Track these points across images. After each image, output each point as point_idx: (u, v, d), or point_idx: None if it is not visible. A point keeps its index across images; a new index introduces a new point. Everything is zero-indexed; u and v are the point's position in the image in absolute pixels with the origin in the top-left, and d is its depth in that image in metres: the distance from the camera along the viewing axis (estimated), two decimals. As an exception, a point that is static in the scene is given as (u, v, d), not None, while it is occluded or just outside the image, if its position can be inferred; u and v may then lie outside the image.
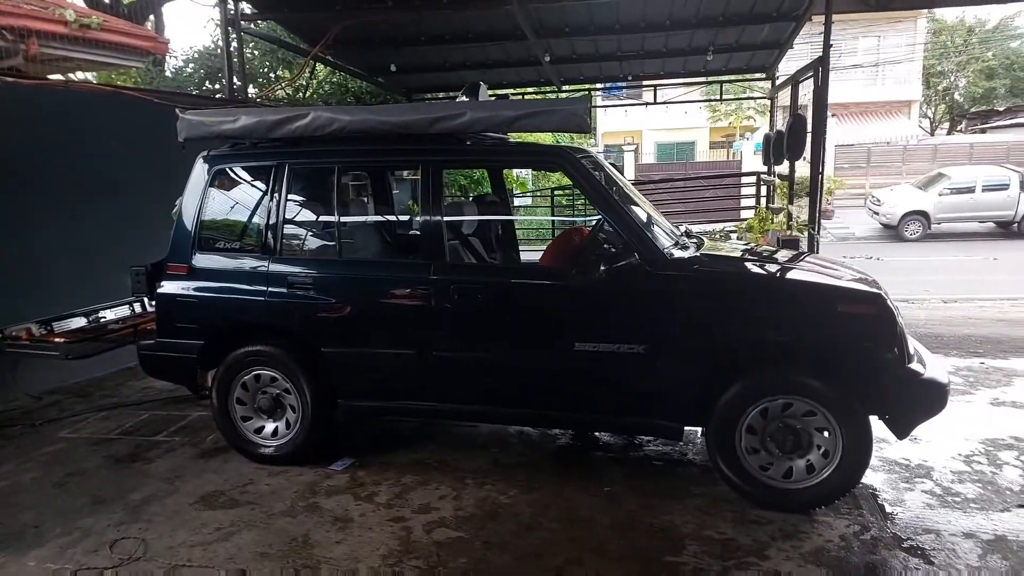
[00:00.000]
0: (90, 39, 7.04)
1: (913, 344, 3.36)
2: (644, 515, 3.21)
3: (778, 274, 3.43)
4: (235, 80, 7.01)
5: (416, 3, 6.87)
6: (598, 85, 11.52)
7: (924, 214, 16.64)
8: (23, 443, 4.21)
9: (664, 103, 10.69)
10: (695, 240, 3.90)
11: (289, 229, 3.73)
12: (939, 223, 16.69)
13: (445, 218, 3.54)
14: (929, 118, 32.80)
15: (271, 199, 3.72)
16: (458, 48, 8.53)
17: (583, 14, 7.66)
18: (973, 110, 29.07)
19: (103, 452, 4.05)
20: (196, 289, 3.78)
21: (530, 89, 10.40)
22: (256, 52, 11.01)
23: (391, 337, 3.55)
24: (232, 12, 6.87)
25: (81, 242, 5.32)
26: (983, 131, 25.36)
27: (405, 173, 6.89)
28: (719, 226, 9.99)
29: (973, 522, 3.06)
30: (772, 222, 7.63)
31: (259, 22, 7.61)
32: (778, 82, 9.29)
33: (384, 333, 3.56)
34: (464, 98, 3.87)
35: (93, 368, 5.25)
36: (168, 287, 3.83)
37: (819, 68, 6.30)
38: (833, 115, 21.12)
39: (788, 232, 6.99)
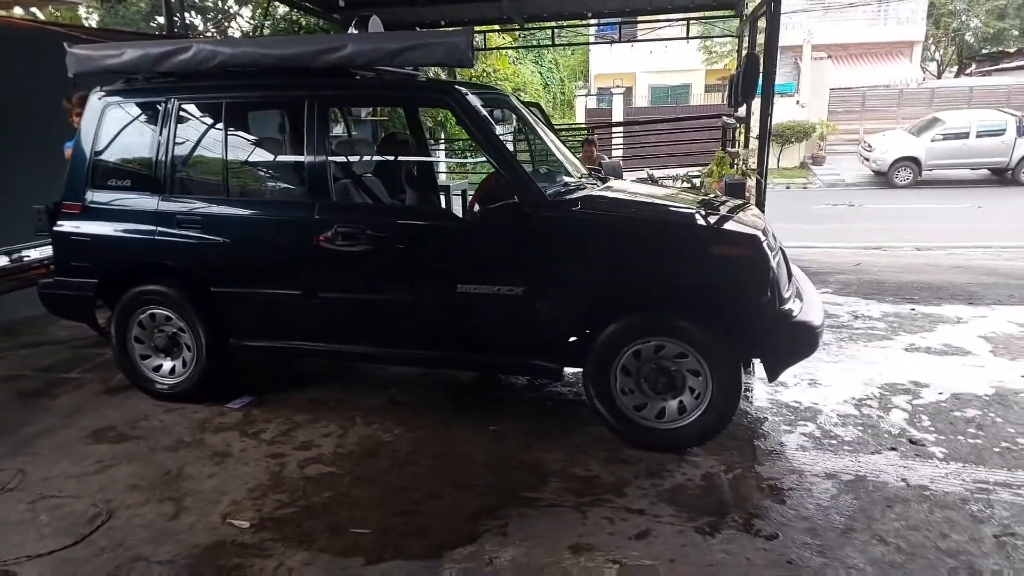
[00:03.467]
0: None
1: (797, 286, 3.33)
2: (519, 453, 3.24)
3: (657, 217, 3.35)
4: (175, 15, 6.80)
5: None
6: (586, 22, 11.00)
7: (915, 160, 16.32)
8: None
9: (629, 41, 10.34)
10: (594, 182, 3.84)
11: (178, 166, 3.68)
12: (931, 169, 16.38)
13: (331, 157, 3.47)
14: (937, 60, 31.80)
15: (161, 136, 3.66)
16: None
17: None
18: (984, 52, 28.13)
19: (12, 387, 4.11)
20: (89, 227, 3.75)
21: (495, 27, 10.08)
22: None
23: (277, 277, 3.53)
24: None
25: (2, 179, 5.26)
26: (989, 74, 24.62)
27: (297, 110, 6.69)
28: (689, 170, 9.82)
29: (840, 463, 3.07)
30: (730, 167, 7.48)
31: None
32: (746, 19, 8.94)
33: (270, 273, 3.55)
34: (354, 31, 3.75)
35: (28, 308, 5.25)
36: (63, 226, 3.80)
37: (770, 3, 6.06)
38: (829, 56, 20.52)
39: (739, 176, 6.86)
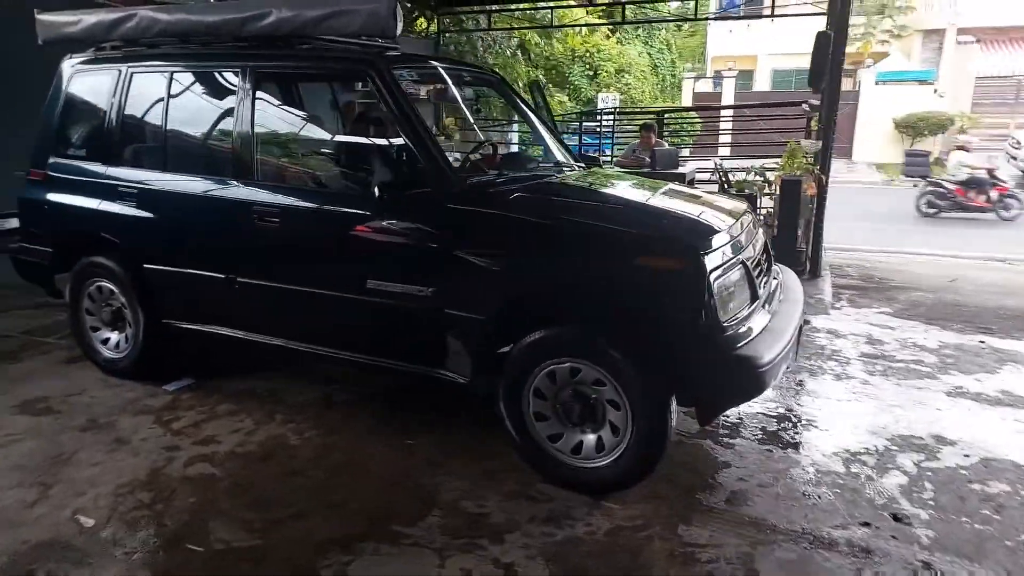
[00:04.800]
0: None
1: (778, 308, 2.73)
2: (420, 474, 2.88)
3: (584, 216, 2.79)
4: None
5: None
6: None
7: (1073, 161, 14.00)
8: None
9: (706, 18, 9.29)
10: (572, 170, 3.39)
11: (124, 137, 3.58)
12: (1094, 173, 14.00)
13: (260, 131, 3.22)
14: None
15: (112, 105, 3.57)
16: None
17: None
18: None
19: (-11, 348, 4.23)
20: (47, 195, 3.75)
21: (572, 3, 9.54)
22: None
23: (201, 259, 3.35)
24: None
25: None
26: None
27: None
28: (765, 162, 8.85)
29: (787, 536, 2.46)
30: (803, 157, 6.58)
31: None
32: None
33: (195, 254, 3.38)
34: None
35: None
36: (28, 192, 3.82)
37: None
38: (978, 40, 18.07)
39: (798, 173, 5.99)
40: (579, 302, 2.64)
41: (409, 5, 10.27)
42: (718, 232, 2.61)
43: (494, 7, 10.27)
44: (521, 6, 10.00)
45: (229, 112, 3.24)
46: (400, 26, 3.04)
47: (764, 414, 3.37)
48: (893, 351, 4.23)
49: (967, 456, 3.00)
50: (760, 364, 2.40)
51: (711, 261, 2.44)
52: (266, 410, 3.44)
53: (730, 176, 8.91)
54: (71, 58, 3.79)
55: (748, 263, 2.69)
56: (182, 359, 3.86)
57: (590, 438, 2.68)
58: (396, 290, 2.86)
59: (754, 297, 2.67)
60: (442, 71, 3.56)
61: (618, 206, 3.01)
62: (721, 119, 14.67)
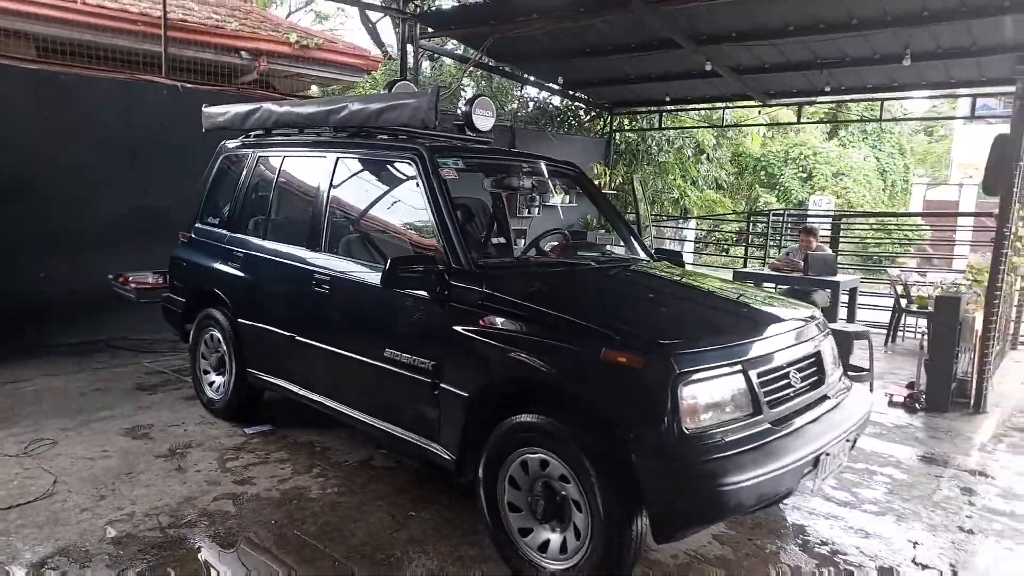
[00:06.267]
0: (309, 58, 8.57)
1: (773, 434, 2.36)
2: (398, 548, 2.86)
3: (570, 302, 2.72)
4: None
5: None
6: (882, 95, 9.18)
7: None
8: (112, 363, 5.44)
9: (922, 119, 8.31)
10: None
11: (245, 209, 4.19)
12: None
13: (330, 207, 3.60)
14: None
15: (241, 182, 4.22)
16: (623, 59, 8.08)
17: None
18: None
19: (136, 379, 5.03)
20: (187, 254, 4.48)
21: (744, 104, 9.27)
22: (453, 68, 11.90)
23: (275, 318, 3.76)
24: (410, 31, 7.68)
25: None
26: None
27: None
28: (957, 277, 7.66)
29: None
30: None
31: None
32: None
33: (271, 313, 3.80)
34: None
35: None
36: (177, 251, 4.61)
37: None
38: None
39: (961, 289, 5.08)
40: (549, 391, 2.53)
41: (586, 107, 10.84)
42: (709, 334, 2.38)
43: (668, 107, 10.42)
44: (698, 107, 10.03)
45: (313, 190, 3.68)
46: (491, 121, 3.35)
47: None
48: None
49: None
50: (724, 483, 2.09)
51: (684, 362, 2.22)
52: (311, 462, 3.67)
53: (910, 290, 7.91)
54: (225, 143, 4.57)
55: (758, 372, 2.40)
56: (271, 408, 4.27)
57: (555, 537, 2.50)
58: (408, 361, 2.97)
59: (756, 411, 2.36)
60: (509, 162, 3.73)
61: (620, 299, 2.88)
62: (958, 228, 13.28)
